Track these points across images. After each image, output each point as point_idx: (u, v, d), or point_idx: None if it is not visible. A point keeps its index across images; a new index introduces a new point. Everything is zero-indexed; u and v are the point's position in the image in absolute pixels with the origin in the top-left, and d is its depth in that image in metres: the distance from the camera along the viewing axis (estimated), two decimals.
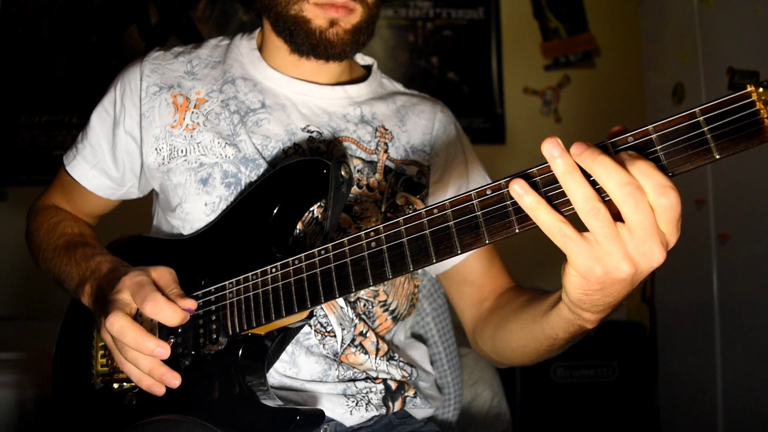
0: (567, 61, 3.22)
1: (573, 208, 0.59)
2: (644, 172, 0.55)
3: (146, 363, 0.82)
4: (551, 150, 0.57)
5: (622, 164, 0.56)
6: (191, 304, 0.84)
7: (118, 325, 0.79)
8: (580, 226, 0.59)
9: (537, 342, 0.83)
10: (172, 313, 0.81)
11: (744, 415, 2.04)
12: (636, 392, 2.72)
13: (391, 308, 1.06)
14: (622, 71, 3.14)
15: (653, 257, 0.57)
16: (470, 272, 1.09)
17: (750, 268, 2.02)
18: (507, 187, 0.63)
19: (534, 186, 0.60)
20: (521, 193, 0.59)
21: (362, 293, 1.02)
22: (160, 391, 0.84)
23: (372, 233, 0.72)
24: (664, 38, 2.55)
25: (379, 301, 1.04)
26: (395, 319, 1.07)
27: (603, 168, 0.55)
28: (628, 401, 2.71)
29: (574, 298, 0.65)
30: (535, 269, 2.15)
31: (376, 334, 1.03)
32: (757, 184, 1.96)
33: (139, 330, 0.80)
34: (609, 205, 0.57)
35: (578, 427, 2.66)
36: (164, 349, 0.79)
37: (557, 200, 0.60)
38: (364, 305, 1.02)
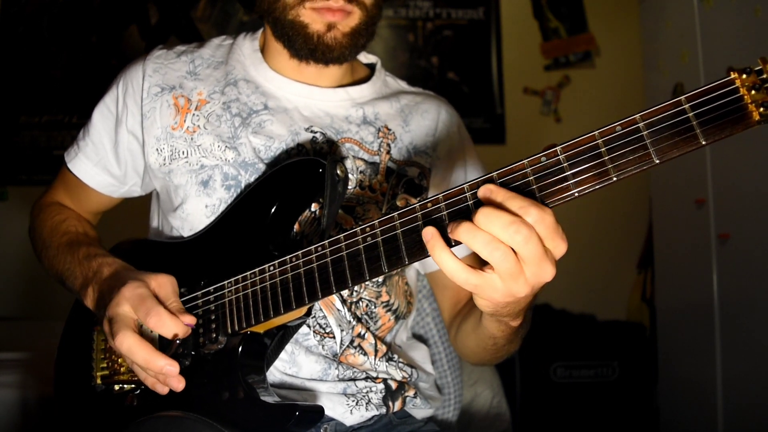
0: (567, 61, 3.22)
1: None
2: (506, 201, 0.61)
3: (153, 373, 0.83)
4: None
5: (501, 207, 0.61)
6: (191, 320, 0.85)
7: (127, 345, 0.80)
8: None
9: (483, 342, 0.91)
10: (174, 327, 0.82)
11: (744, 415, 2.05)
12: (636, 392, 2.72)
13: (393, 308, 1.06)
14: (622, 71, 3.14)
15: (546, 275, 0.63)
16: (449, 279, 1.11)
17: (750, 268, 2.02)
18: (499, 179, 0.65)
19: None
20: (428, 238, 0.65)
21: (364, 294, 1.02)
22: (163, 390, 0.84)
23: (368, 228, 0.73)
24: (664, 38, 2.55)
25: (382, 302, 1.04)
26: (397, 318, 1.08)
27: (484, 217, 0.61)
28: (628, 401, 2.72)
29: (488, 312, 0.73)
30: None
31: (375, 336, 1.03)
32: (757, 184, 1.96)
33: (148, 349, 0.81)
34: None
35: (578, 427, 2.66)
36: (174, 367, 0.80)
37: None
38: (366, 306, 1.02)
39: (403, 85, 1.19)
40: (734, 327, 2.10)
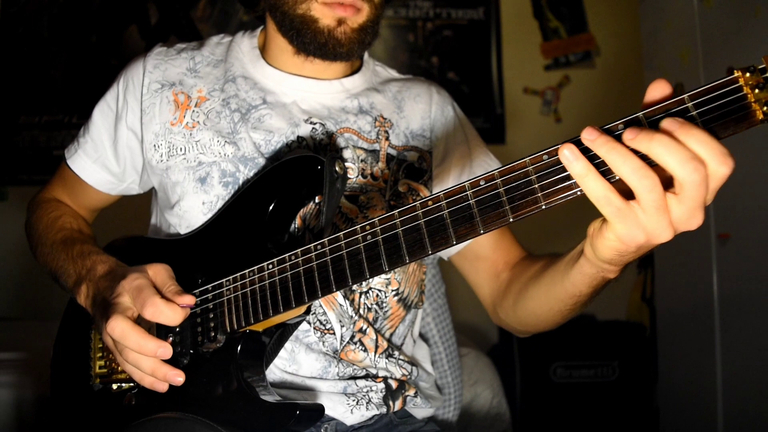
0: (567, 61, 3.22)
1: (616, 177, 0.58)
2: (701, 141, 0.54)
3: (148, 364, 0.82)
4: (589, 135, 0.57)
5: (671, 135, 0.55)
6: (189, 300, 0.84)
7: (120, 329, 0.80)
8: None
9: (561, 302, 0.84)
10: (172, 314, 0.82)
11: (744, 415, 2.04)
12: (636, 392, 2.72)
13: (403, 296, 1.06)
14: (622, 71, 3.14)
15: (695, 222, 0.58)
16: (482, 248, 1.09)
17: (750, 268, 2.02)
18: (500, 177, 0.64)
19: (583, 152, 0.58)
20: (571, 159, 0.58)
21: (374, 283, 1.02)
22: (162, 388, 0.84)
23: (368, 227, 0.73)
24: (664, 38, 2.55)
25: (392, 290, 1.04)
26: (407, 307, 1.08)
27: (661, 144, 0.54)
28: (628, 401, 2.71)
29: (607, 257, 0.66)
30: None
31: (376, 331, 1.03)
32: (757, 184, 1.96)
33: (141, 332, 0.81)
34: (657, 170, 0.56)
35: (578, 427, 2.66)
36: (166, 350, 0.80)
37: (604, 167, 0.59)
38: (377, 295, 1.02)
39: (392, 73, 1.20)
40: (734, 327, 2.10)
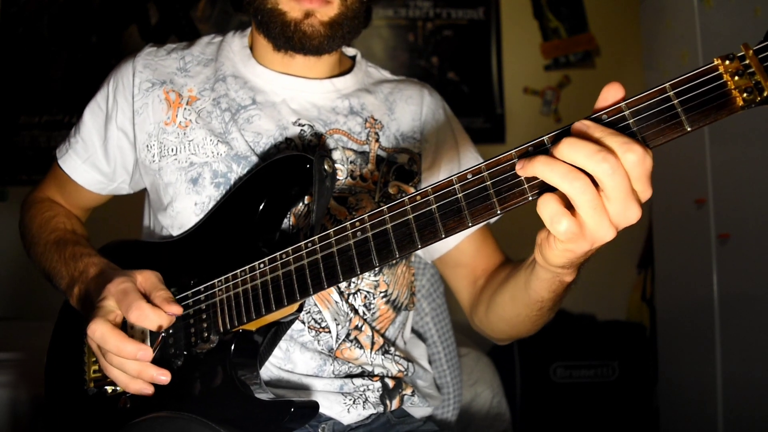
0: (567, 61, 3.22)
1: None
2: (605, 137, 0.57)
3: (133, 367, 0.82)
4: (518, 167, 0.60)
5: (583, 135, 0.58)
6: (177, 309, 0.84)
7: (100, 332, 0.80)
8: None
9: (527, 308, 0.86)
10: (157, 318, 0.81)
11: (744, 415, 2.04)
12: (636, 392, 2.72)
13: (392, 298, 1.06)
14: (622, 71, 3.14)
15: (631, 216, 0.58)
16: (462, 254, 1.10)
17: (750, 268, 2.02)
18: (487, 170, 0.64)
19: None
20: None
21: (362, 285, 1.02)
22: (148, 391, 0.84)
23: (357, 223, 0.73)
24: (664, 38, 2.54)
25: (380, 292, 1.04)
26: (396, 309, 1.07)
27: (568, 146, 0.57)
28: (628, 401, 2.71)
29: (559, 263, 0.68)
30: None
31: (372, 328, 1.03)
32: (757, 184, 1.96)
33: (120, 336, 0.80)
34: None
35: (578, 427, 2.66)
36: (146, 352, 0.80)
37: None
38: (365, 297, 1.02)
39: (385, 74, 1.19)
40: (734, 327, 2.09)
